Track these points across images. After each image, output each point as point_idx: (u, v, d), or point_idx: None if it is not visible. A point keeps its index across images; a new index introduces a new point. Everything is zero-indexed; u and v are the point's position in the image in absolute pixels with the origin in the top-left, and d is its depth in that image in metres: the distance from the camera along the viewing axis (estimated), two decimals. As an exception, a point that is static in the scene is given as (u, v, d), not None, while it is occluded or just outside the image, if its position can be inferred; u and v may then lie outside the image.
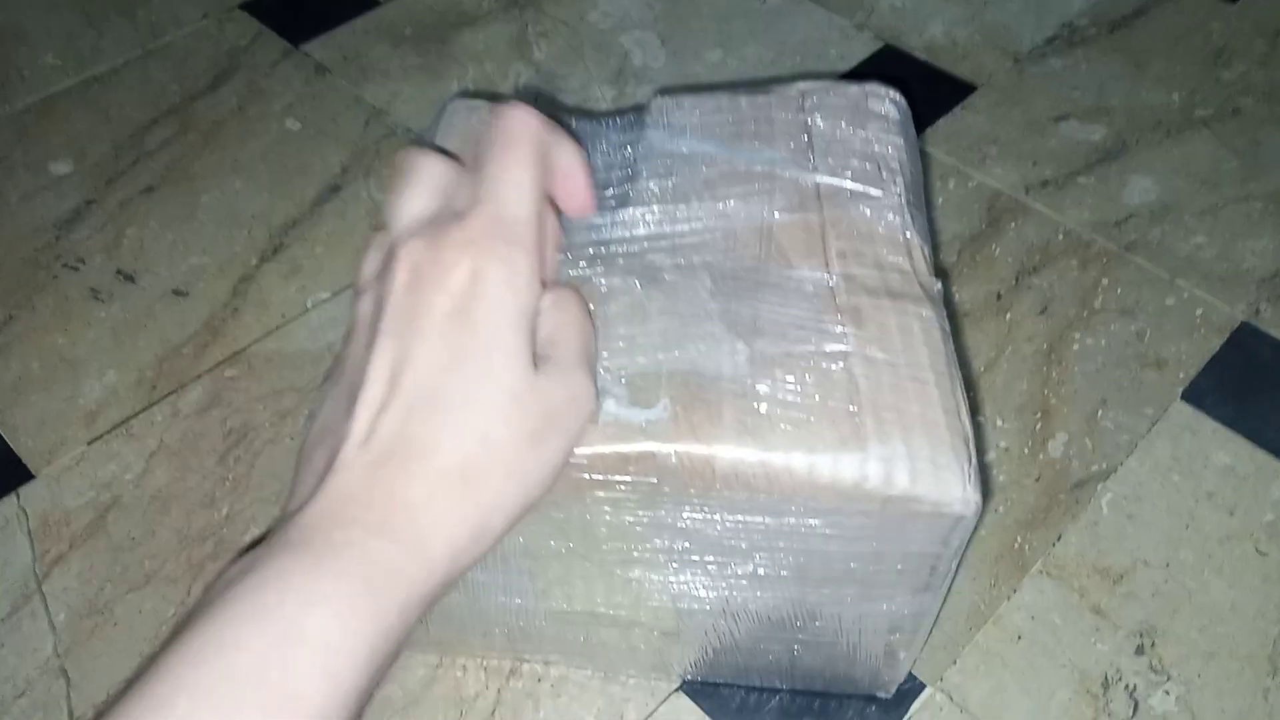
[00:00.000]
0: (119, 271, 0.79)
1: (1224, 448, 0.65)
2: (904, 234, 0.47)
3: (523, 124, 0.38)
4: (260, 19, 0.99)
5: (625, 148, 0.52)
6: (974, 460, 0.40)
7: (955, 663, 0.57)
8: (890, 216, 0.48)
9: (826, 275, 0.45)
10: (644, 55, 0.94)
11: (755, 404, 0.41)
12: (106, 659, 0.59)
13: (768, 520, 0.42)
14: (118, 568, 0.63)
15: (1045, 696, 0.55)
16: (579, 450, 0.40)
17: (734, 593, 0.46)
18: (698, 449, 0.40)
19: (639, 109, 0.55)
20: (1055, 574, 0.60)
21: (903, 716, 0.55)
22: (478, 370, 0.34)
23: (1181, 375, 0.69)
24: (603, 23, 0.97)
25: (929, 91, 0.89)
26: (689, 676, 0.56)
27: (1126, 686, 0.56)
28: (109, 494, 0.66)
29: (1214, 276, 0.74)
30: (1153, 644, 0.57)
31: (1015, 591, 0.59)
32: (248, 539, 0.63)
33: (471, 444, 0.33)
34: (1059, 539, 0.61)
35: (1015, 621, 0.58)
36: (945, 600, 0.58)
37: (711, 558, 0.44)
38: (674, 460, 0.40)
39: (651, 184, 0.49)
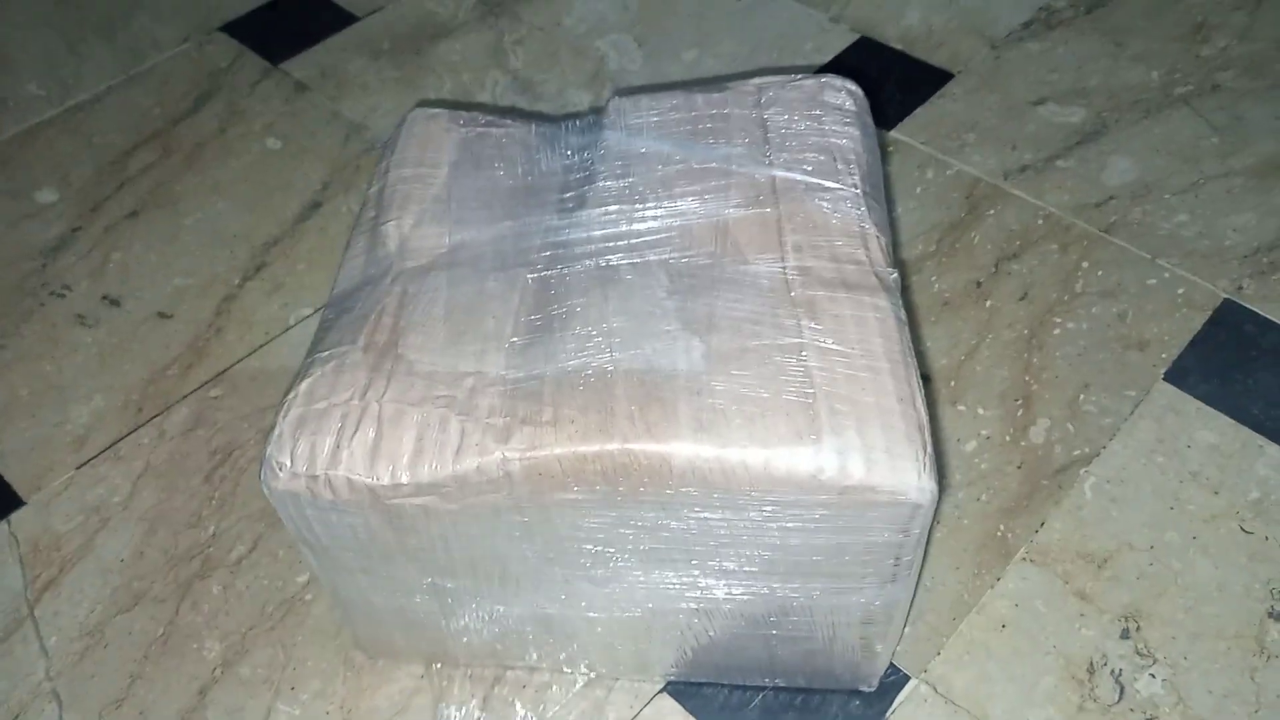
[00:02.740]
0: (104, 296, 0.79)
1: (1208, 426, 0.64)
2: (860, 225, 0.47)
3: None
4: (240, 39, 1.00)
5: (583, 149, 0.52)
6: (929, 448, 0.40)
7: (939, 653, 0.56)
8: (846, 208, 0.48)
9: (782, 269, 0.45)
10: (620, 58, 0.94)
11: (711, 400, 0.41)
12: (98, 680, 0.59)
13: (728, 515, 0.42)
14: (107, 590, 0.63)
15: (1030, 684, 0.55)
16: (534, 453, 0.40)
17: (704, 590, 0.46)
18: (654, 447, 0.40)
19: (597, 110, 0.55)
20: (1039, 560, 0.59)
21: (887, 709, 0.54)
22: None
23: (1164, 355, 0.68)
24: (578, 27, 0.97)
25: (906, 81, 0.88)
26: (672, 677, 0.56)
27: (1112, 671, 0.55)
28: (97, 517, 0.67)
29: (1196, 254, 0.73)
30: (1138, 627, 0.57)
31: (999, 580, 0.59)
32: (234, 557, 0.64)
33: None
34: (1042, 525, 0.61)
35: (999, 610, 0.58)
36: (923, 591, 0.58)
37: (677, 556, 0.44)
38: (630, 459, 0.40)
39: (608, 184, 0.50)
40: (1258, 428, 0.64)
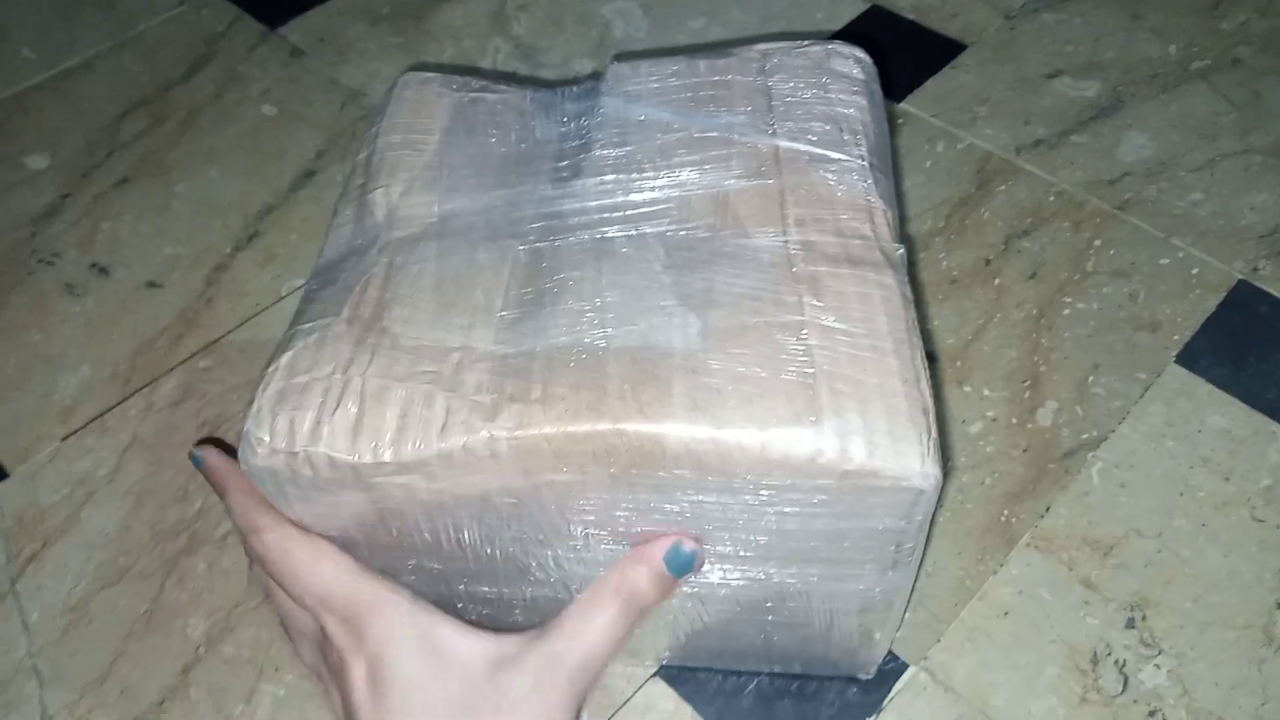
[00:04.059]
0: (94, 265, 0.78)
1: (1220, 411, 0.63)
2: (866, 198, 0.45)
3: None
4: (237, 3, 0.97)
5: (580, 117, 0.51)
6: (934, 432, 0.38)
7: (939, 640, 0.55)
8: (852, 180, 0.46)
9: (784, 243, 0.44)
10: (625, 25, 0.91)
11: (707, 379, 0.39)
12: (80, 657, 0.58)
13: (724, 499, 0.40)
14: (91, 565, 0.62)
15: (1033, 673, 0.54)
16: (522, 432, 0.39)
17: (697, 575, 0.45)
18: (646, 427, 0.38)
19: (596, 76, 0.53)
20: (1044, 546, 0.58)
21: (885, 697, 0.53)
22: None
23: (1176, 337, 0.66)
24: (581, -6, 0.95)
25: (917, 51, 0.86)
26: (665, 661, 0.54)
27: (1116, 661, 0.54)
28: (83, 490, 0.65)
29: (1211, 234, 0.71)
30: (1144, 616, 0.55)
31: (1002, 566, 0.57)
32: (220, 533, 0.62)
33: None
34: (1048, 510, 0.59)
35: (1002, 596, 0.56)
36: (924, 577, 0.57)
37: (670, 540, 0.43)
38: (621, 440, 0.38)
39: (605, 153, 0.48)
40: (1271, 413, 0.62)
